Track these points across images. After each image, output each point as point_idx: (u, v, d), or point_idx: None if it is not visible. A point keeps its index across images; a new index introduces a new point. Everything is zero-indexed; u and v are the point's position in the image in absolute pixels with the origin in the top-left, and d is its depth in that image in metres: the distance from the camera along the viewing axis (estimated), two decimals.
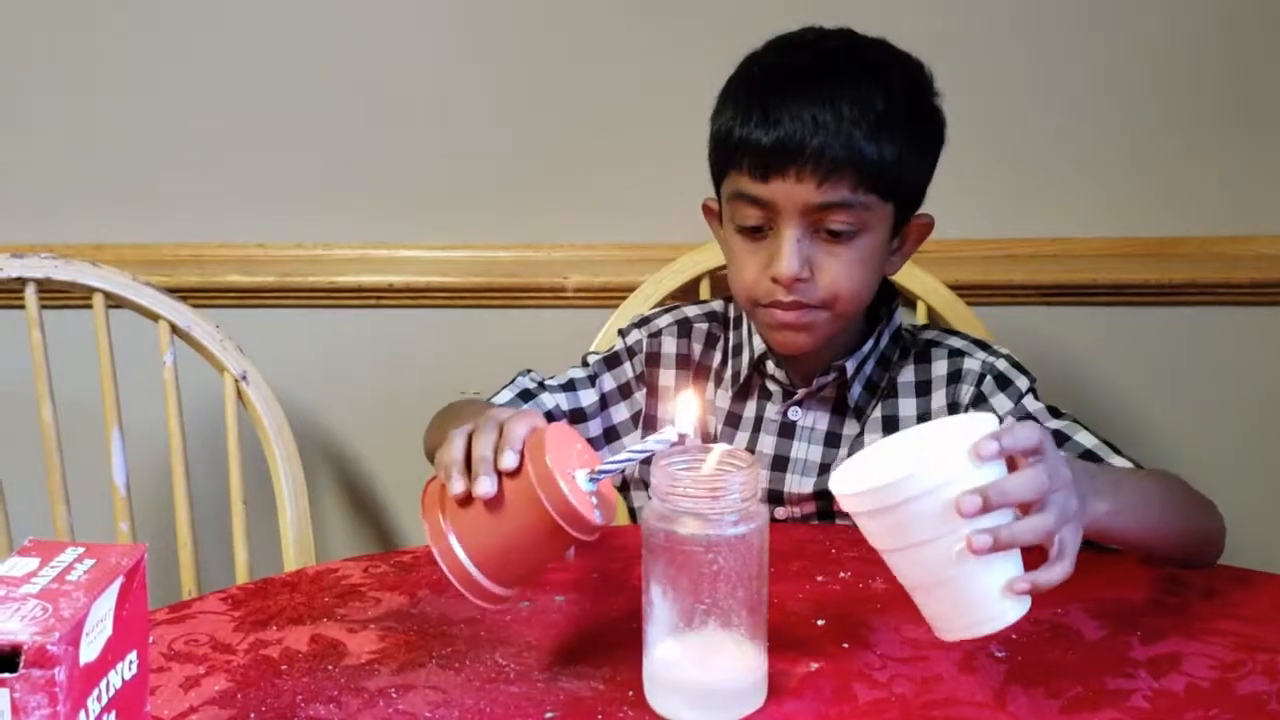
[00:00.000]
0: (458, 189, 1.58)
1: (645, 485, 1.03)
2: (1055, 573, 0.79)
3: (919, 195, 1.10)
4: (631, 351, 1.20)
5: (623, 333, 1.22)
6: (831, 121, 1.01)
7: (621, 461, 0.80)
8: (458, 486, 0.78)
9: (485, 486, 0.77)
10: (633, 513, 1.26)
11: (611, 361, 1.20)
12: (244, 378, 1.36)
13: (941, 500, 0.75)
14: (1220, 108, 1.52)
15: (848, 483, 0.79)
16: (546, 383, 1.19)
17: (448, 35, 1.55)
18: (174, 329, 1.35)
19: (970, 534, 0.74)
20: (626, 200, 1.57)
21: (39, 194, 1.60)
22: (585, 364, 1.21)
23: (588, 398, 1.19)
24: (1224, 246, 1.55)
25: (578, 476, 0.78)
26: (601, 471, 0.80)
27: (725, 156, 1.07)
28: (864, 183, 1.03)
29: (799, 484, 1.13)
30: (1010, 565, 0.78)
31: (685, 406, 0.80)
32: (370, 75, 1.56)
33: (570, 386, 1.19)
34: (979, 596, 0.77)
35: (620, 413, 1.19)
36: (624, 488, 1.24)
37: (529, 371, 1.20)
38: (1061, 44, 1.51)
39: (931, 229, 1.13)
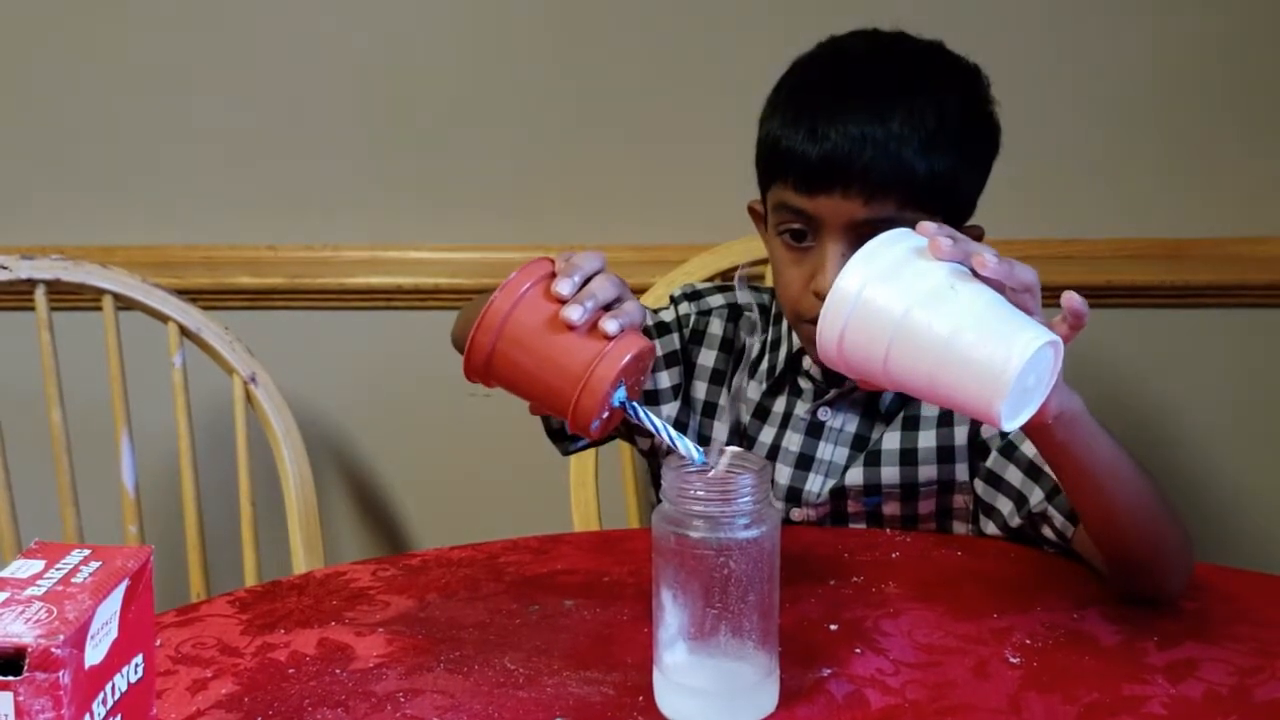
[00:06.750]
0: (468, 190, 1.58)
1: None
2: (1078, 296, 0.80)
3: (970, 206, 1.08)
4: (680, 323, 1.19)
5: (674, 300, 1.21)
6: (882, 138, 0.99)
7: (652, 423, 0.81)
8: (565, 288, 0.80)
9: (576, 315, 0.79)
10: (654, 476, 1.25)
11: (661, 329, 1.18)
12: (253, 379, 1.35)
13: (900, 266, 0.75)
14: (1237, 107, 1.51)
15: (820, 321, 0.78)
16: None
17: (458, 36, 1.54)
18: (183, 331, 1.35)
19: (978, 256, 0.76)
20: (637, 202, 1.57)
21: (48, 196, 1.60)
22: None
23: None
24: (1240, 248, 1.53)
25: (617, 390, 0.80)
26: (633, 406, 0.81)
27: (772, 166, 1.06)
28: (912, 200, 1.01)
29: (820, 485, 1.13)
30: (996, 298, 0.76)
31: (722, 455, 0.79)
32: (380, 76, 1.56)
33: None
34: (990, 337, 0.73)
35: (662, 380, 1.17)
36: (651, 452, 1.22)
37: None
38: (1077, 44, 1.50)
39: (980, 240, 1.10)
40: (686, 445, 0.79)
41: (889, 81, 1.04)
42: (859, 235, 1.00)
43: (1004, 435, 1.05)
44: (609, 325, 0.80)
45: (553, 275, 0.82)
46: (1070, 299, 0.81)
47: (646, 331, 1.17)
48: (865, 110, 1.00)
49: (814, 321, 1.04)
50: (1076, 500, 0.93)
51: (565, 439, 1.17)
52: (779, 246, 1.07)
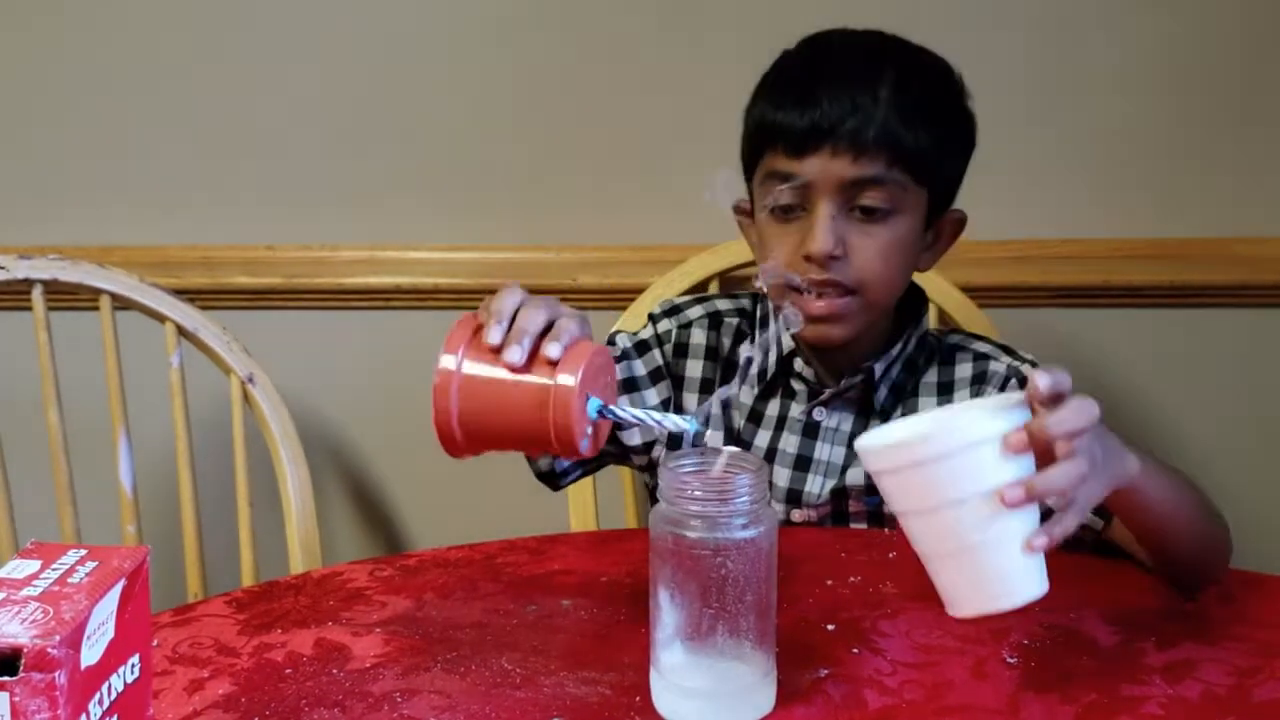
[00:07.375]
0: (466, 190, 1.58)
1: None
2: (1067, 522, 0.77)
3: (952, 189, 1.10)
4: (660, 340, 1.19)
5: (653, 318, 1.21)
6: (868, 104, 1.03)
7: (633, 416, 0.81)
8: (495, 336, 0.80)
9: (516, 355, 0.79)
10: (653, 493, 1.25)
11: (641, 348, 1.19)
12: (250, 380, 1.35)
13: (971, 461, 0.74)
14: (1235, 107, 1.51)
15: (876, 440, 0.78)
16: None
17: (458, 36, 1.54)
18: (181, 331, 1.35)
19: (1003, 488, 0.74)
20: (636, 201, 1.57)
21: (46, 195, 1.60)
22: (612, 343, 1.19)
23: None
24: (1239, 248, 1.53)
25: (590, 402, 0.79)
26: (611, 411, 0.81)
27: (759, 140, 1.07)
28: (899, 162, 1.03)
29: (819, 485, 1.12)
30: (1031, 529, 0.76)
31: (720, 455, 0.79)
32: (379, 76, 1.55)
33: None
34: (1000, 566, 0.76)
35: (651, 397, 1.17)
36: (649, 468, 1.22)
37: None
38: (1072, 43, 1.50)
39: (964, 225, 1.13)
40: (674, 421, 0.79)
41: (873, 60, 1.06)
42: (848, 197, 1.04)
43: None
44: (550, 351, 0.79)
45: (479, 330, 0.81)
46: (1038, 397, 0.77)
47: (632, 351, 1.17)
48: (850, 81, 1.04)
49: (801, 289, 1.06)
50: (1134, 536, 0.96)
51: (553, 477, 1.16)
52: (768, 223, 1.08)
